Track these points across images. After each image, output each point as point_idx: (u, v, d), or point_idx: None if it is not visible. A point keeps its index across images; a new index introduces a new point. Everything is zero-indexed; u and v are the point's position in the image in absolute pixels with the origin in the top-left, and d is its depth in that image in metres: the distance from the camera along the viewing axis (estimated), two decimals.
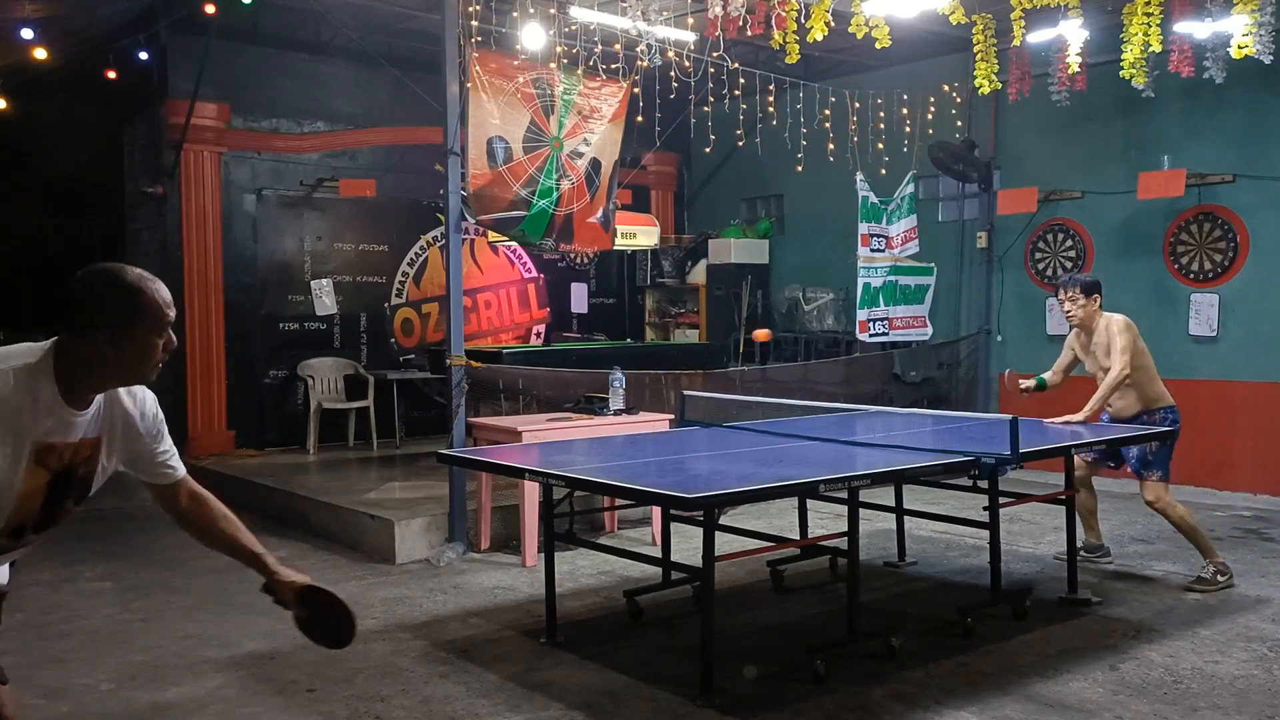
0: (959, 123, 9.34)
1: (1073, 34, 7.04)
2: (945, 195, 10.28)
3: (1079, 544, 5.84)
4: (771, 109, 8.91)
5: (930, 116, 9.15)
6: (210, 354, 9.41)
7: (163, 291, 2.34)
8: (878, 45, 6.83)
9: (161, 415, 2.59)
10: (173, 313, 2.35)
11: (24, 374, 2.27)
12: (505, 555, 6.52)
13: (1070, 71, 7.30)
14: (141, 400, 2.53)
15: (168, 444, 2.60)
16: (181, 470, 2.63)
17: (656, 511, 6.37)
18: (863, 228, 9.04)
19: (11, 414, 2.24)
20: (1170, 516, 5.73)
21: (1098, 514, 6.23)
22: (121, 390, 2.45)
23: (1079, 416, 5.81)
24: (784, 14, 6.70)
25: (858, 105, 9.12)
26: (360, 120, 10.23)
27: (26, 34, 8.28)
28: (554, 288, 11.55)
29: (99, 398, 2.39)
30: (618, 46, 7.51)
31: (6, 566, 2.58)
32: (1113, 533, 6.95)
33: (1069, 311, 5.90)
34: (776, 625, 5.16)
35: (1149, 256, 8.69)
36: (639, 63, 7.39)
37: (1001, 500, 5.26)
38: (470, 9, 6.76)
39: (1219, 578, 5.63)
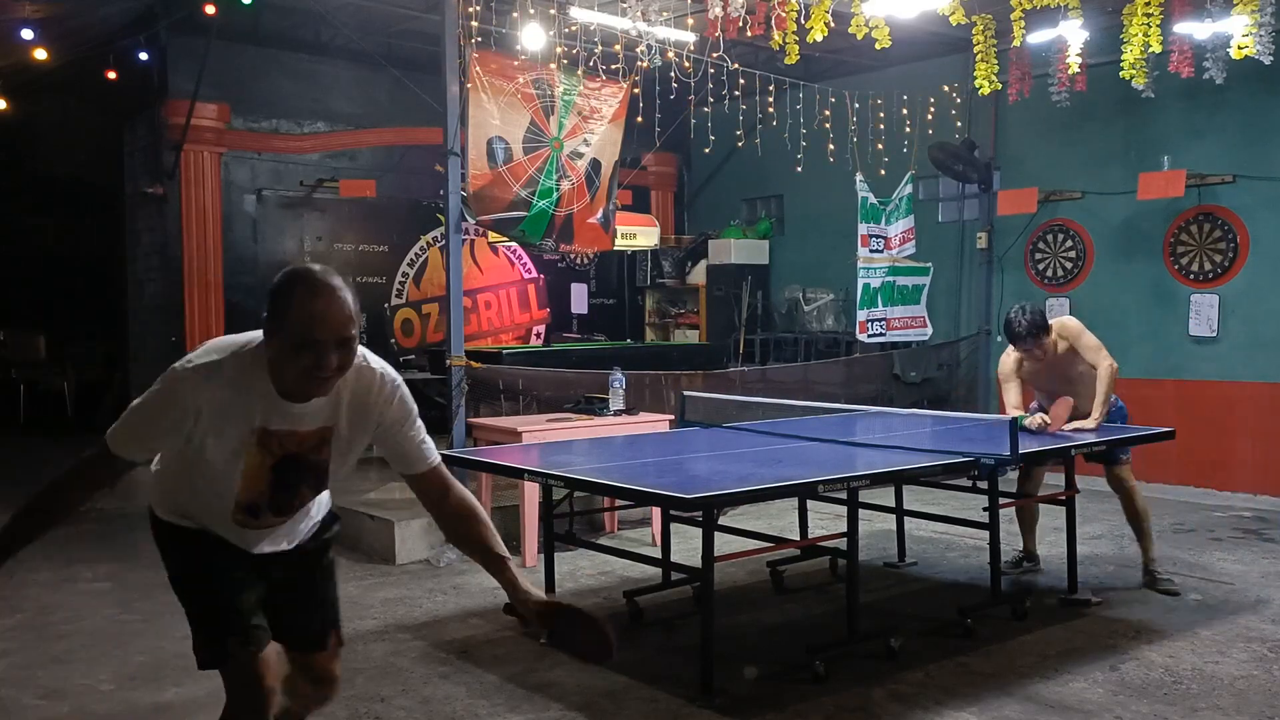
0: (959, 123, 9.34)
1: (1073, 34, 7.04)
2: (945, 196, 10.28)
3: (1016, 553, 6.08)
4: (771, 109, 8.91)
5: (930, 117, 9.15)
6: None
7: (316, 304, 2.29)
8: (878, 46, 6.82)
9: (407, 402, 2.60)
10: (318, 332, 2.29)
11: (234, 362, 2.37)
12: None
13: (1070, 72, 7.30)
14: (379, 389, 2.53)
15: (415, 431, 2.60)
16: (431, 461, 2.63)
17: (656, 512, 6.37)
18: (862, 228, 9.04)
19: (224, 401, 2.35)
20: (1135, 498, 5.67)
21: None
22: (357, 378, 2.48)
23: (1091, 423, 5.54)
24: (784, 14, 6.70)
25: (857, 106, 9.12)
26: (360, 120, 10.23)
27: (26, 34, 8.28)
28: (554, 288, 11.55)
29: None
30: (618, 47, 7.51)
31: (272, 539, 2.67)
32: (1113, 533, 6.96)
33: (1040, 357, 5.59)
34: (776, 625, 5.16)
35: (1149, 257, 8.69)
36: (639, 63, 7.39)
37: (1001, 501, 5.25)
38: (470, 9, 6.76)
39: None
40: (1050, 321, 5.63)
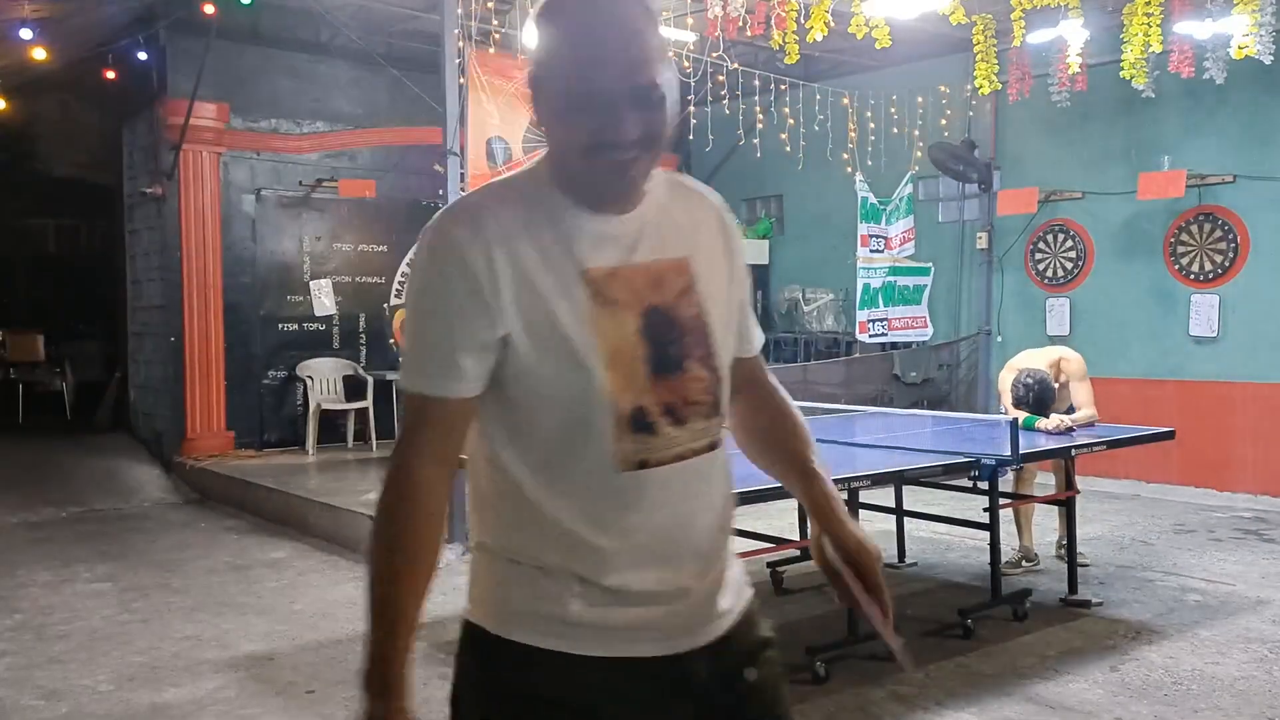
0: (959, 123, 9.34)
1: (1073, 34, 7.05)
2: (945, 196, 10.26)
3: (1015, 552, 5.98)
4: (771, 109, 8.91)
5: (930, 117, 9.15)
6: (209, 354, 9.40)
7: (589, 31, 1.46)
8: (878, 45, 6.83)
9: (740, 242, 1.72)
10: (596, 74, 1.43)
11: (504, 180, 1.61)
12: None
13: (1070, 72, 7.30)
14: (728, 213, 1.70)
15: (746, 293, 1.74)
16: (756, 345, 1.80)
17: None
18: (862, 228, 9.05)
19: (517, 219, 1.50)
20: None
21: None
22: (696, 196, 1.65)
23: (1076, 419, 5.67)
24: (784, 14, 6.70)
25: (857, 105, 9.12)
26: (360, 120, 10.22)
27: (26, 34, 8.28)
28: None
29: (650, 199, 1.56)
30: None
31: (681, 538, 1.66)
32: (1113, 533, 6.96)
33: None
34: (776, 626, 5.13)
35: (1149, 257, 8.69)
36: None
37: (1001, 501, 5.25)
38: (470, 9, 6.76)
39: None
40: (1050, 350, 6.04)
